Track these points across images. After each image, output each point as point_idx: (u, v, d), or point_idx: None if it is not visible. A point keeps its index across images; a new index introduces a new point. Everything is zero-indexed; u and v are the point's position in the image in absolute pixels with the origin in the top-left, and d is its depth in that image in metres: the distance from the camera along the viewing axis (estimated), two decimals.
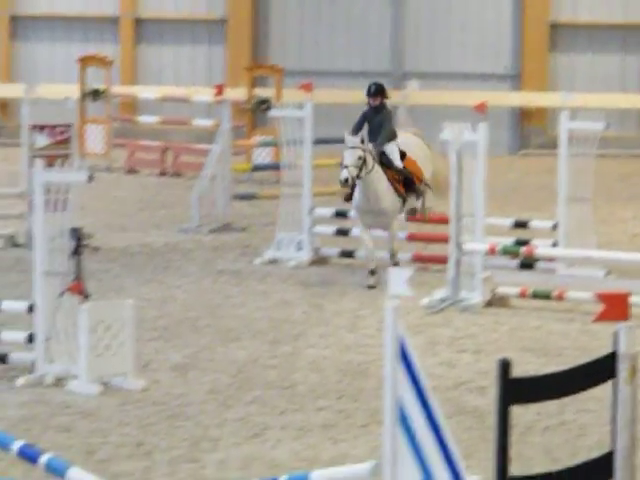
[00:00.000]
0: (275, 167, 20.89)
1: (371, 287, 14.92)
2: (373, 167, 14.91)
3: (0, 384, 11.31)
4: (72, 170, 12.19)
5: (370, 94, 15.38)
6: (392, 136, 15.39)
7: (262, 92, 25.46)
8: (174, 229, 19.36)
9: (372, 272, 14.91)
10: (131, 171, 25.88)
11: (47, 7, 31.56)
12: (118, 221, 20.38)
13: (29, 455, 8.13)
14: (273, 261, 16.61)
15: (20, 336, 11.36)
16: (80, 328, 10.81)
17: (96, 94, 26.14)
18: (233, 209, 19.50)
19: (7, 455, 8.56)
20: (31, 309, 11.17)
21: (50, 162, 12.49)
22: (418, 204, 15.77)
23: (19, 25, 31.56)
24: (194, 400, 10.66)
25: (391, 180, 15.07)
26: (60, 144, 15.86)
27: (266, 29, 29.93)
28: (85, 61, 26.85)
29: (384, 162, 15.11)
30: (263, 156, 24.28)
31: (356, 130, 15.17)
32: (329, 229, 16.82)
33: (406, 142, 15.71)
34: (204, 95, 25.68)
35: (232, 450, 9.25)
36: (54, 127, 16.69)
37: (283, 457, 9.34)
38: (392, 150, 15.24)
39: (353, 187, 14.93)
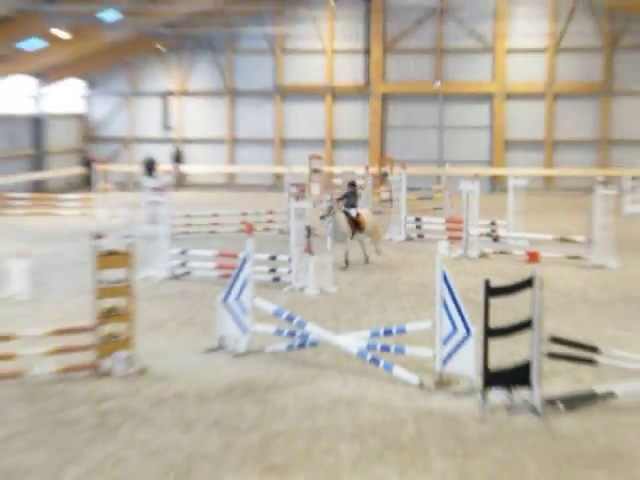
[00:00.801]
0: (390, 200, 36.44)
1: (343, 268, 26.11)
2: (339, 213, 26.43)
3: (275, 290, 22.62)
4: (305, 202, 25.22)
5: (349, 184, 28.44)
6: (353, 206, 27.31)
7: (384, 169, 42.86)
8: None
9: (346, 261, 26.62)
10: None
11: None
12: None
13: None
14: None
15: (282, 270, 23.87)
16: (310, 266, 23.02)
17: (316, 171, 41.92)
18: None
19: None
20: (290, 260, 23.58)
21: (296, 198, 25.59)
22: (367, 254, 27.52)
23: None
24: (357, 294, 22.95)
25: (348, 221, 26.75)
26: (301, 192, 29.11)
27: (385, 140, 48.87)
28: (312, 157, 42.61)
29: (347, 213, 26.92)
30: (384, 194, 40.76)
31: (340, 198, 27.45)
32: (412, 225, 32.00)
33: (362, 211, 27.84)
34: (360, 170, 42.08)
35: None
36: (298, 184, 30.60)
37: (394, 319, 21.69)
38: (351, 211, 27.11)
39: (325, 217, 26.31)
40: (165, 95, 52.91)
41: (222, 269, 23.76)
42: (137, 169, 48.66)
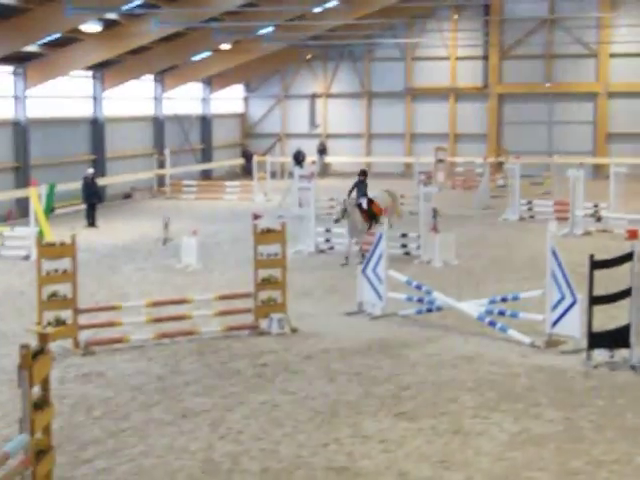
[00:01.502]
0: (505, 186, 35.08)
1: (344, 265, 22.50)
2: (352, 210, 22.90)
3: (406, 263, 22.61)
4: (431, 187, 25.21)
5: (360, 174, 24.84)
6: (364, 194, 23.88)
7: (500, 159, 41.52)
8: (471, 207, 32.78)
9: (346, 258, 22.77)
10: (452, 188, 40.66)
11: None
12: (454, 207, 33.31)
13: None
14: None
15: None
16: (435, 242, 23.03)
17: (441, 161, 42.77)
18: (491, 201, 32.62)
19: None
20: (418, 237, 23.80)
21: (424, 184, 25.65)
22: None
23: None
24: (476, 266, 22.90)
25: (362, 215, 23.26)
26: (428, 178, 29.12)
27: (501, 134, 47.38)
28: (437, 149, 41.78)
29: (360, 207, 23.39)
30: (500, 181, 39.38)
31: (351, 190, 24.34)
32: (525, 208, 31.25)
33: (376, 194, 24.37)
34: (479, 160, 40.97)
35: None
36: (425, 172, 30.38)
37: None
38: (362, 201, 23.62)
39: (339, 220, 22.99)
40: (312, 97, 53.19)
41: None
42: (288, 160, 49.11)
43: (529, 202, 32.45)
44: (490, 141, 49.99)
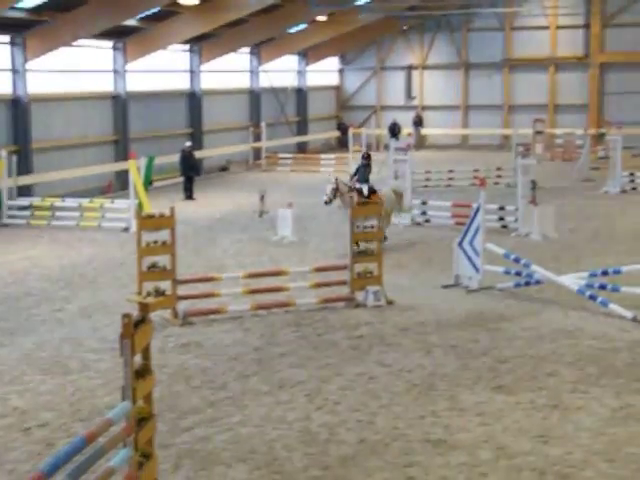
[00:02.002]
0: (606, 157, 34.55)
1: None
2: (348, 195, 20.58)
3: (503, 236, 22.23)
4: (530, 159, 24.80)
5: (363, 157, 22.67)
6: (366, 180, 21.82)
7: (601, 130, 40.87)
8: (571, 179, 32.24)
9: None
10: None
11: None
12: (553, 179, 32.68)
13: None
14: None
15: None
16: (534, 215, 22.51)
17: (539, 132, 41.65)
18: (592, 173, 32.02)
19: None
20: (516, 209, 23.35)
21: (522, 156, 25.27)
22: (386, 232, 20.98)
23: None
24: (576, 240, 22.47)
25: (358, 200, 19.72)
26: (527, 150, 28.68)
27: (602, 104, 46.59)
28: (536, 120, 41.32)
29: (359, 193, 21.24)
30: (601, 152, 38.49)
31: (354, 173, 22.37)
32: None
33: (383, 191, 21.87)
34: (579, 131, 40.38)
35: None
36: (524, 144, 29.90)
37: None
38: (363, 187, 21.59)
39: (331, 202, 21.02)
40: (408, 69, 52.76)
41: (457, 217, 23.66)
42: (384, 133, 48.93)
43: (631, 174, 31.78)
44: (591, 112, 48.91)
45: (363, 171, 22.21)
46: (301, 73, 50.14)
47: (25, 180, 28.73)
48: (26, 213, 26.46)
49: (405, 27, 51.90)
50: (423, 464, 9.33)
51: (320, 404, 11.21)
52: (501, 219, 23.83)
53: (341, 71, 54.84)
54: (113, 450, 7.93)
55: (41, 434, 10.34)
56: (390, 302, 16.17)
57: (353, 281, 16.27)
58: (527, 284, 16.75)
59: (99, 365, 12.91)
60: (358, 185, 21.69)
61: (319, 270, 16.99)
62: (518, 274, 16.90)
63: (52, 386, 12.03)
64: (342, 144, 48.34)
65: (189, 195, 31.35)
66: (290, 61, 49.06)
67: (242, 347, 13.76)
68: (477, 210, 17.17)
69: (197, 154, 35.99)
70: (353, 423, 10.52)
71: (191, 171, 31.68)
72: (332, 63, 54.01)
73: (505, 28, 50.60)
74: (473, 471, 9.13)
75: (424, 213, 25.22)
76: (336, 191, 20.96)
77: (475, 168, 33.11)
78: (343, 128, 49.72)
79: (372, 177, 22.99)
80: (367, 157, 22.73)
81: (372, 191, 21.67)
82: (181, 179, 32.29)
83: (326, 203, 21.23)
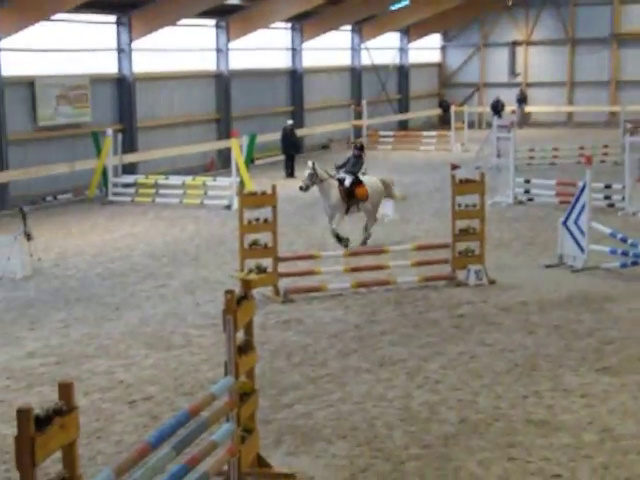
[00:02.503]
0: None
1: (346, 246, 18.72)
2: (328, 182, 19.02)
3: (610, 215, 21.69)
4: (638, 136, 24.20)
5: (355, 147, 20.35)
6: (353, 172, 19.42)
7: None
8: None
9: (339, 238, 18.92)
10: None
11: None
12: None
13: None
14: None
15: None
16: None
17: None
18: None
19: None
20: (623, 188, 22.76)
21: (631, 133, 24.69)
22: (368, 231, 19.51)
23: None
24: None
25: (340, 190, 19.14)
26: (635, 128, 27.95)
27: None
28: None
29: (340, 182, 19.24)
30: None
31: (341, 166, 19.87)
32: None
33: (368, 179, 19.80)
34: None
35: None
36: (632, 121, 29.12)
37: None
38: (346, 177, 19.29)
39: (307, 188, 19.08)
40: (512, 45, 52.01)
41: (561, 196, 23.25)
42: (486, 110, 48.41)
43: None
44: None
45: (354, 162, 19.93)
46: (403, 50, 49.85)
47: (130, 158, 29.26)
48: (131, 190, 26.97)
49: (509, 2, 51.10)
50: (525, 445, 9.24)
51: (421, 382, 11.19)
52: (607, 198, 23.32)
53: (443, 48, 54.37)
54: (216, 424, 8.08)
55: (146, 407, 10.55)
56: (492, 281, 16.04)
57: (455, 260, 16.18)
58: (634, 264, 16.38)
59: (201, 340, 13.12)
60: (341, 174, 19.63)
61: (420, 248, 16.91)
62: (625, 254, 16.56)
63: (156, 360, 12.27)
64: (444, 122, 48.03)
65: (290, 173, 31.52)
66: (392, 38, 48.81)
67: (342, 325, 13.82)
68: (583, 188, 16.87)
69: (298, 132, 36.15)
70: (454, 402, 10.49)
71: (292, 149, 31.87)
72: (434, 40, 53.57)
73: (613, 2, 49.41)
74: (577, 453, 9.02)
75: (527, 192, 24.86)
76: (314, 177, 19.08)
77: (580, 146, 32.48)
78: (445, 106, 49.38)
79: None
80: (360, 148, 20.51)
81: (357, 181, 19.54)
82: (282, 157, 32.48)
83: (301, 189, 19.37)
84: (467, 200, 16.42)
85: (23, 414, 5.21)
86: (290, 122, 33.06)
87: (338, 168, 19.86)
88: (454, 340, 12.92)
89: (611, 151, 32.06)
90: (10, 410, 10.11)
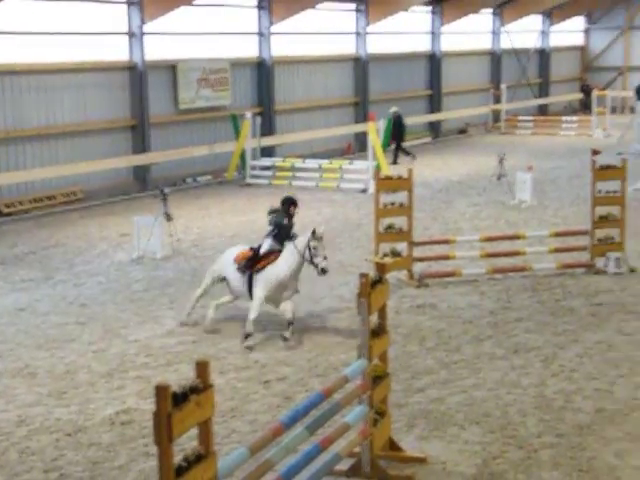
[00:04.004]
0: None
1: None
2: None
3: None
4: None
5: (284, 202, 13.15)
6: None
7: None
8: None
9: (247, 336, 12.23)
10: None
11: None
12: None
13: None
14: None
15: None
16: None
17: None
18: None
19: None
20: None
21: None
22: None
23: None
24: None
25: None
26: None
27: None
28: None
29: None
30: None
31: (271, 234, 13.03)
32: None
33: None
34: None
35: None
36: None
37: None
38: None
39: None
40: None
41: None
42: (630, 94, 47.08)
43: None
44: None
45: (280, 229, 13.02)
46: (544, 33, 48.89)
47: (268, 141, 29.61)
48: (268, 173, 27.29)
49: None
50: None
51: (556, 370, 11.02)
52: None
53: (587, 31, 53.12)
54: (348, 407, 8.13)
55: (280, 387, 10.69)
56: (632, 270, 15.65)
57: (593, 247, 15.83)
58: None
59: (336, 323, 13.19)
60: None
61: (558, 235, 16.61)
62: None
63: (290, 342, 12.38)
64: (585, 106, 46.96)
65: (394, 160, 30.54)
66: (533, 21, 47.92)
67: (477, 310, 13.71)
68: None
69: (435, 116, 35.86)
70: (590, 391, 10.29)
71: (399, 137, 31.10)
72: (577, 22, 52.37)
73: None
74: None
75: None
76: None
77: None
78: (587, 90, 48.21)
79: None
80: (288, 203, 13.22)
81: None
82: (415, 142, 31.95)
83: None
84: (608, 186, 16.04)
85: (161, 391, 5.36)
86: (395, 109, 32.02)
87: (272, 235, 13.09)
88: (591, 328, 12.66)
89: None
90: (149, 387, 10.40)
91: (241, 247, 13.40)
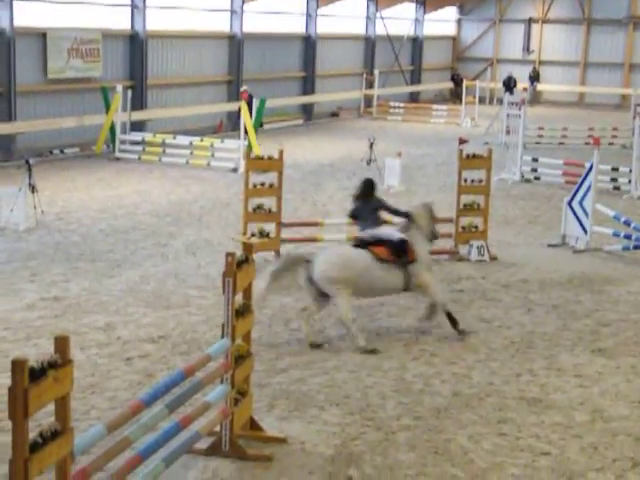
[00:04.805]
0: None
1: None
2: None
3: (615, 197, 21.58)
4: None
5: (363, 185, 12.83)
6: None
7: None
8: None
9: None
10: None
11: None
12: None
13: None
14: None
15: None
16: None
17: None
18: None
19: None
20: (630, 171, 22.82)
21: None
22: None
23: None
24: None
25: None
26: None
27: None
28: None
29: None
30: None
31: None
32: None
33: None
34: None
35: None
36: None
37: None
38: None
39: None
40: (528, 22, 51.70)
41: (568, 176, 23.19)
42: (498, 86, 48.18)
43: None
44: None
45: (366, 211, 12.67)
46: (418, 21, 49.58)
47: (139, 115, 29.23)
48: (138, 148, 26.94)
49: None
50: (516, 421, 9.29)
51: (416, 354, 11.23)
52: (614, 180, 23.27)
53: (459, 21, 54.11)
54: (210, 385, 8.12)
55: (142, 365, 10.60)
56: (494, 258, 16.05)
57: (458, 234, 16.17)
58: (636, 248, 16.36)
59: (201, 302, 13.15)
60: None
61: None
62: (627, 237, 16.52)
63: (154, 319, 12.30)
64: (455, 96, 47.88)
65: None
66: (408, 9, 48.54)
67: None
68: (589, 169, 16.84)
69: (309, 98, 35.92)
70: (448, 375, 10.54)
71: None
72: (450, 13, 53.29)
73: None
74: (567, 432, 9.07)
75: (534, 170, 24.80)
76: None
77: (590, 127, 32.39)
78: (457, 79, 49.18)
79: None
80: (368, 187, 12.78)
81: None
82: (290, 123, 31.85)
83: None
84: (473, 175, 16.40)
85: (18, 365, 5.25)
86: (245, 88, 30.58)
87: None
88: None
89: (620, 134, 31.93)
90: (6, 361, 10.16)
91: (346, 247, 12.38)
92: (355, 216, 12.67)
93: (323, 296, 11.64)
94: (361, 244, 11.94)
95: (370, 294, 12.13)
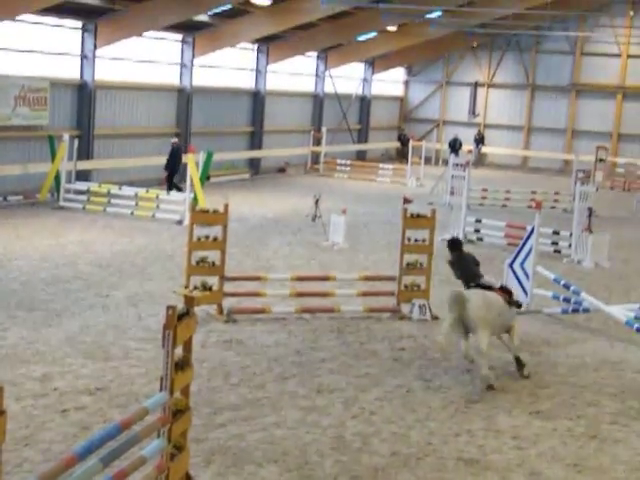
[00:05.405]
0: None
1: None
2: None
3: (555, 261, 21.90)
4: (589, 186, 24.47)
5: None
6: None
7: None
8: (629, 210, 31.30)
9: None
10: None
11: None
12: (611, 209, 31.96)
13: None
14: None
15: None
16: (588, 242, 22.53)
17: (601, 160, 42.28)
18: None
19: None
20: (570, 235, 23.23)
21: (582, 182, 24.90)
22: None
23: None
24: (629, 270, 22.21)
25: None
26: (587, 177, 28.35)
27: None
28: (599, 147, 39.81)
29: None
30: None
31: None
32: None
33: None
34: None
35: None
36: (584, 171, 29.69)
37: None
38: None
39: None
40: (474, 85, 52.54)
41: (510, 238, 23.44)
42: (444, 147, 48.79)
43: None
44: None
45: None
46: (366, 81, 50.16)
47: (84, 165, 29.11)
48: (82, 198, 26.79)
49: (474, 44, 51.75)
50: None
51: (356, 412, 11.20)
52: (554, 244, 23.54)
53: (406, 82, 54.83)
54: (147, 439, 8.00)
55: (78, 417, 10.44)
56: (435, 317, 16.12)
57: (400, 293, 16.24)
58: (575, 311, 16.57)
59: (141, 354, 13.02)
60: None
61: (367, 279, 16.97)
62: (567, 300, 16.73)
63: (93, 371, 12.14)
64: (402, 155, 48.34)
65: (169, 188, 28.21)
66: (356, 68, 49.10)
67: (284, 349, 13.80)
68: (531, 232, 17.05)
69: (256, 153, 36.02)
70: (387, 434, 10.51)
71: (171, 168, 28.75)
72: (398, 74, 54.00)
73: (575, 52, 50.29)
74: None
75: (477, 231, 25.04)
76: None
77: (533, 190, 32.85)
78: (404, 139, 49.63)
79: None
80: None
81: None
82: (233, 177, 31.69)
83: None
84: (417, 235, 16.51)
85: None
86: (175, 139, 30.33)
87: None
88: (392, 373, 12.94)
89: (562, 198, 32.44)
90: None
91: (479, 291, 13.04)
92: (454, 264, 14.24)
93: (466, 333, 12.63)
94: (484, 288, 13.20)
95: (497, 332, 13.10)
